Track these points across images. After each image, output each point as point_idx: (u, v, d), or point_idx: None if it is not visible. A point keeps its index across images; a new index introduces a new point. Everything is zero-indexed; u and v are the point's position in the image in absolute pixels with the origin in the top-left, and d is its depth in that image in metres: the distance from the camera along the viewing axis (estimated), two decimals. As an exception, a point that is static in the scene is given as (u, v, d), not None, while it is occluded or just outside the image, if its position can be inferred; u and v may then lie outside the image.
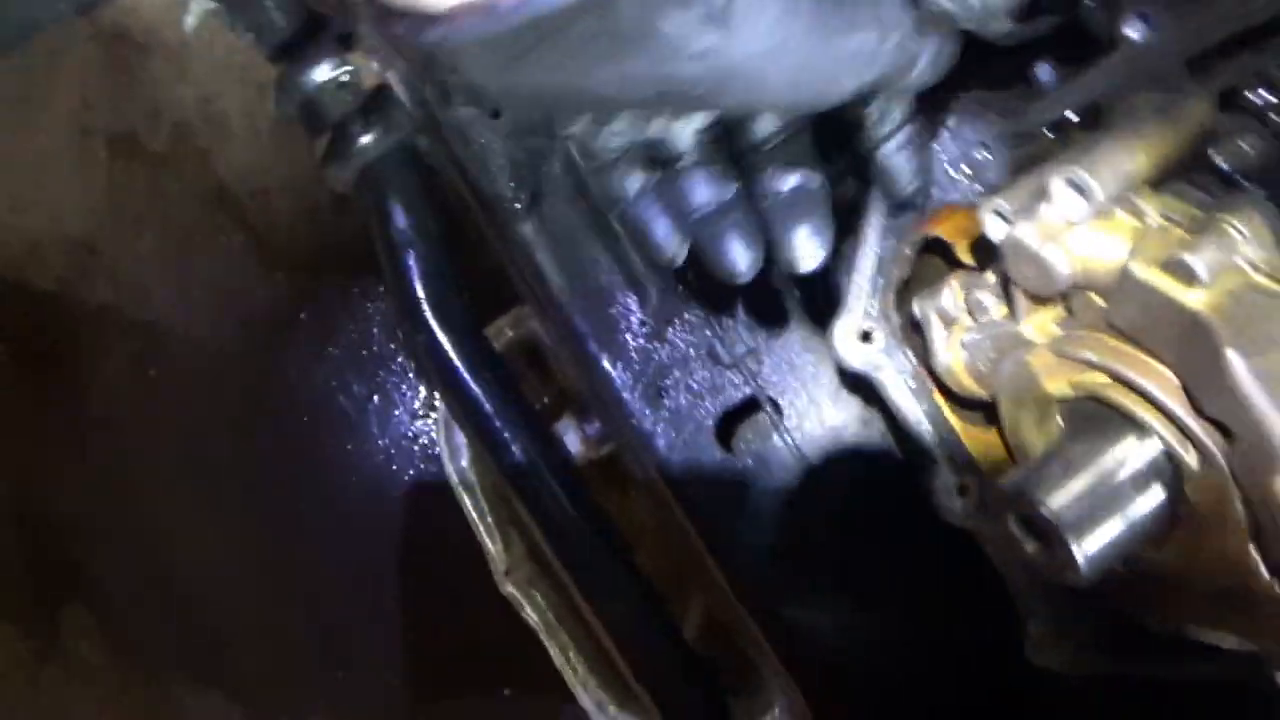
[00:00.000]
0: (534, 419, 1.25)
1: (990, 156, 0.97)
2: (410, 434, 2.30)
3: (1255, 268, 0.67)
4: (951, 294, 0.94)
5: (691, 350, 1.28)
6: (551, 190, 1.22)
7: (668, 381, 1.26)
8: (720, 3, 0.56)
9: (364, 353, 2.27)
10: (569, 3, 0.52)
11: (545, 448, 1.23)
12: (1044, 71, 0.94)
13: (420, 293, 1.21)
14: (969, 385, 0.96)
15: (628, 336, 1.27)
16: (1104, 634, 0.92)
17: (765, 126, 0.91)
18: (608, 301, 1.25)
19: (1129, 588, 0.86)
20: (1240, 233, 0.67)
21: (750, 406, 1.25)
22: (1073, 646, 0.95)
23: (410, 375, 2.19)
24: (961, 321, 0.94)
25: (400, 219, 1.21)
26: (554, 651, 1.72)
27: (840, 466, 1.25)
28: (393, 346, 2.20)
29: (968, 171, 0.99)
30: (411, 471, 2.25)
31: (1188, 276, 0.68)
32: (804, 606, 1.25)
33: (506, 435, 1.22)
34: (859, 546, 1.25)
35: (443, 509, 1.83)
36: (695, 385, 1.26)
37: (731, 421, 1.26)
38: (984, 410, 0.98)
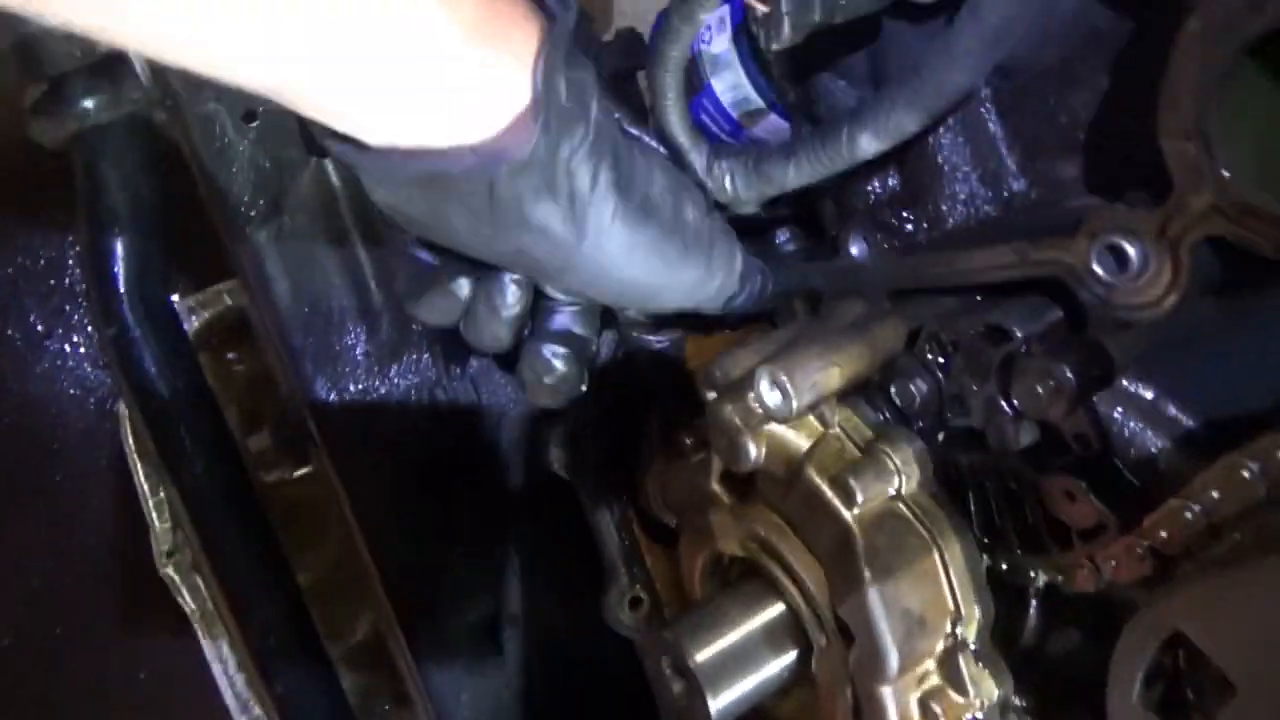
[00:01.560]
0: (221, 436, 1.18)
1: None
2: (86, 382, 2.02)
3: (900, 499, 0.77)
4: (665, 426, 0.99)
5: (412, 391, 1.25)
6: (295, 204, 1.15)
7: (380, 419, 1.23)
8: (578, 209, 0.67)
9: (50, 283, 1.99)
10: (457, 174, 0.63)
11: (228, 468, 1.17)
12: (782, 236, 1.02)
13: (120, 284, 1.10)
14: (659, 511, 1.02)
15: (349, 365, 1.22)
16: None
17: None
18: (335, 326, 1.20)
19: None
20: (895, 466, 0.76)
21: (457, 460, 1.25)
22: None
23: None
24: (670, 452, 0.99)
25: (112, 197, 1.10)
26: (206, 643, 1.63)
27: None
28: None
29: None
30: (82, 426, 2.01)
31: (848, 496, 0.76)
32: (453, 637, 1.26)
33: (189, 448, 1.14)
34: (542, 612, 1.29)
35: (114, 473, 1.68)
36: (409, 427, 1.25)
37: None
38: (674, 535, 1.05)
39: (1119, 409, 0.77)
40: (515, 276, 0.84)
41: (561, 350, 0.88)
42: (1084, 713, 0.72)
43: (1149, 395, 0.77)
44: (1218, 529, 0.61)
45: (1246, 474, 0.57)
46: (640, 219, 0.72)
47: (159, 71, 1.03)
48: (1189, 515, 0.62)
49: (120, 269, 1.12)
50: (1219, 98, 0.57)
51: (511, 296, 0.83)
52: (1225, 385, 0.74)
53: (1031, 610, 0.88)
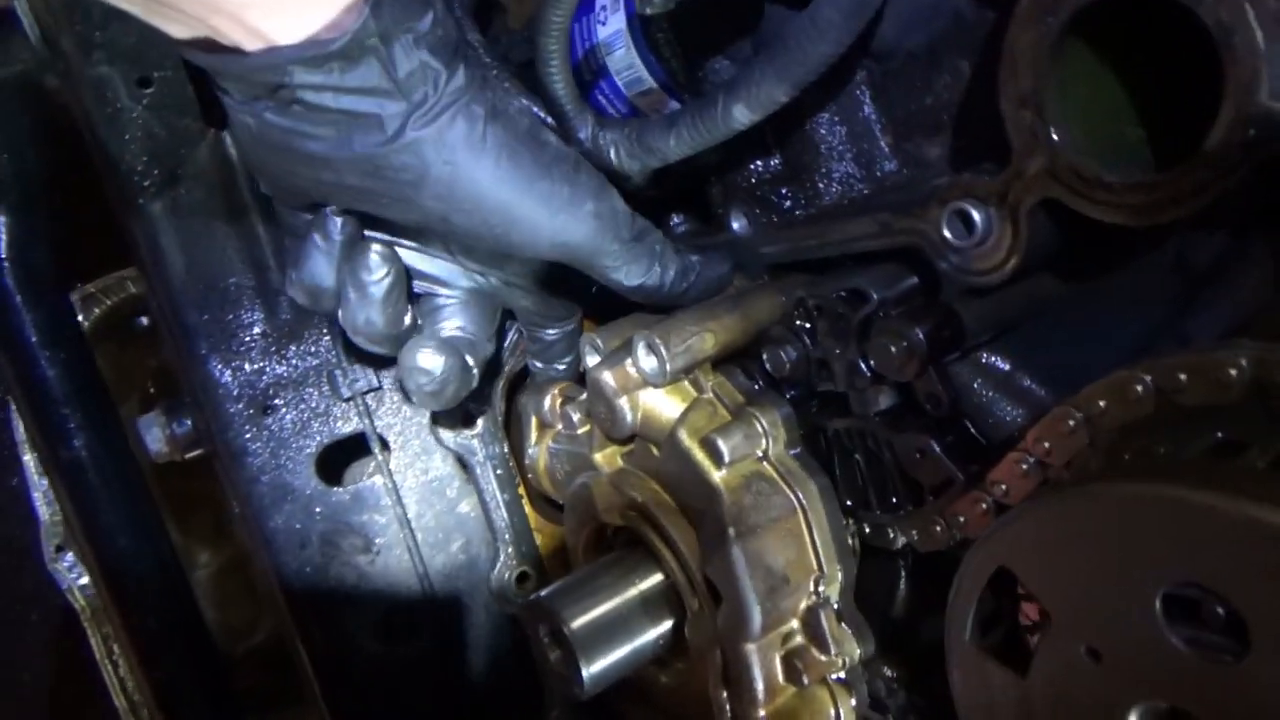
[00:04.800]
0: (105, 412, 1.15)
1: (618, 278, 1.05)
2: None
3: (767, 460, 0.79)
4: (551, 401, 1.00)
5: (311, 374, 1.23)
6: (192, 176, 1.13)
7: (277, 400, 1.21)
8: (423, 105, 0.68)
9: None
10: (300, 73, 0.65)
11: (109, 448, 1.14)
12: (675, 219, 1.04)
13: (2, 250, 1.07)
14: (548, 487, 1.03)
15: (244, 344, 1.20)
16: (607, 732, 1.01)
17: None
18: (231, 304, 1.18)
19: (625, 695, 0.96)
20: (762, 428, 0.78)
21: (356, 442, 1.24)
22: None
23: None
24: (555, 428, 1.00)
25: (-3, 161, 1.07)
26: (95, 641, 1.58)
27: (432, 516, 1.27)
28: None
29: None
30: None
31: (716, 456, 0.78)
32: (353, 639, 1.24)
33: (70, 425, 1.11)
34: (423, 594, 1.28)
35: (2, 463, 1.62)
36: (305, 410, 1.22)
37: (334, 453, 1.24)
38: (561, 511, 1.05)
39: (978, 380, 0.80)
40: (379, 248, 0.84)
41: (442, 358, 0.88)
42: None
43: (1005, 367, 0.81)
44: (1051, 479, 0.64)
45: (1071, 422, 0.61)
46: (495, 127, 0.72)
47: (49, 32, 1.01)
48: (1024, 466, 0.65)
49: (3, 236, 1.08)
50: (1049, 69, 0.61)
51: (376, 267, 0.83)
52: (1074, 356, 0.77)
53: (902, 581, 0.90)
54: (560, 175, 0.76)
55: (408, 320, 0.92)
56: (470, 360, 0.92)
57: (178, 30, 0.66)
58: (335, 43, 0.64)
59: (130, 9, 0.64)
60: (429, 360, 0.88)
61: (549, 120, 0.84)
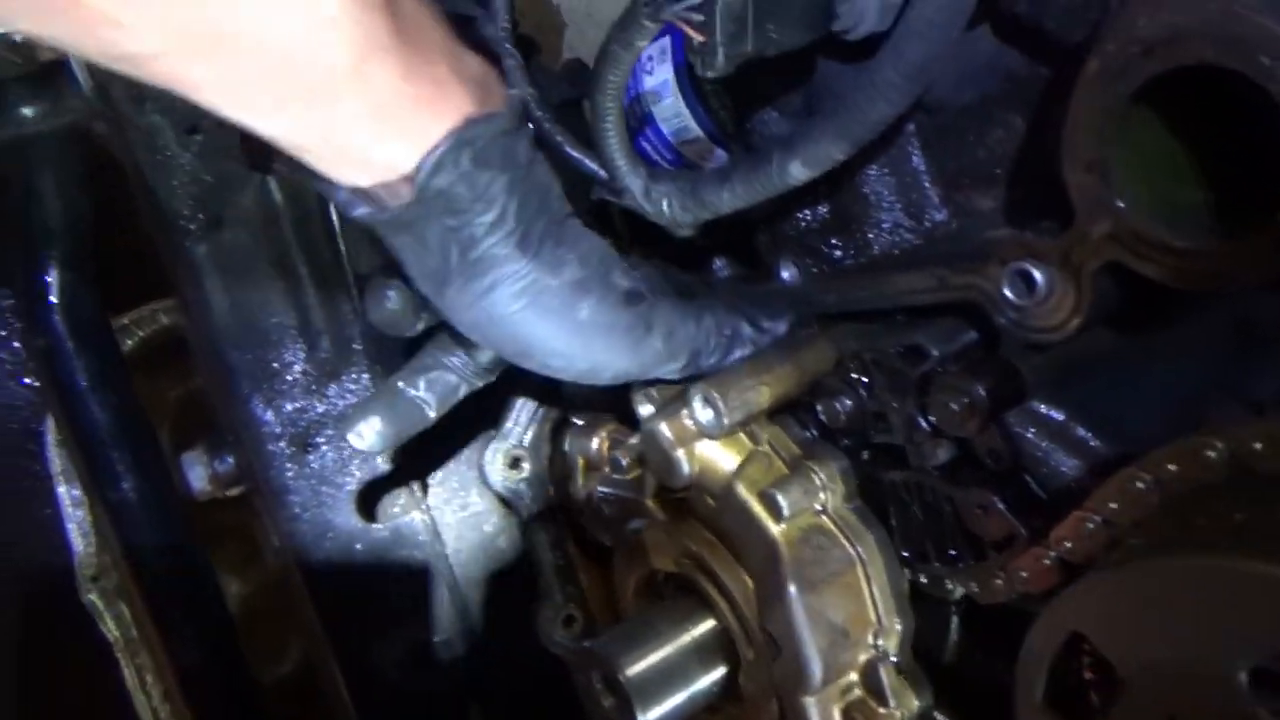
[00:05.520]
0: (152, 453, 1.16)
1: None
2: (9, 398, 1.94)
3: (826, 513, 0.79)
4: (599, 442, 1.00)
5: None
6: (236, 220, 1.15)
7: (319, 439, 1.22)
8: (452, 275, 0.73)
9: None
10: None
11: (157, 488, 1.15)
12: (718, 264, 1.05)
13: (53, 294, 1.09)
14: (596, 529, 1.03)
15: (286, 383, 1.21)
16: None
17: None
18: (272, 343, 1.19)
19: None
20: (820, 481, 0.79)
21: (396, 479, 1.25)
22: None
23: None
24: (603, 470, 1.01)
25: (47, 207, 1.08)
26: (129, 673, 1.58)
27: (469, 551, 1.28)
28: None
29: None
30: (3, 444, 1.93)
31: (775, 510, 0.78)
32: (387, 671, 1.25)
33: (119, 468, 1.13)
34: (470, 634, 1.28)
35: (36, 495, 1.63)
36: (346, 448, 1.23)
37: (376, 490, 1.24)
38: (609, 554, 1.06)
39: (1032, 430, 0.81)
40: None
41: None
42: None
43: (1060, 417, 0.81)
44: (1118, 539, 0.65)
45: (1141, 485, 0.61)
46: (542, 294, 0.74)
47: (101, 82, 1.03)
48: (1090, 525, 0.65)
49: (54, 280, 1.10)
50: (1115, 135, 0.62)
51: None
52: (1129, 407, 0.78)
53: (953, 628, 0.91)
54: (621, 332, 0.78)
55: None
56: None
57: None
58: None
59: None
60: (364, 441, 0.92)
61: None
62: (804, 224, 0.92)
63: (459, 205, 0.68)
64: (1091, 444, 0.80)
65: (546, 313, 0.74)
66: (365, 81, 0.62)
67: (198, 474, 1.30)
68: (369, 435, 0.93)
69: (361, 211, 0.69)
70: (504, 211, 0.70)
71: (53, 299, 1.11)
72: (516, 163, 0.71)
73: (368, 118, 0.64)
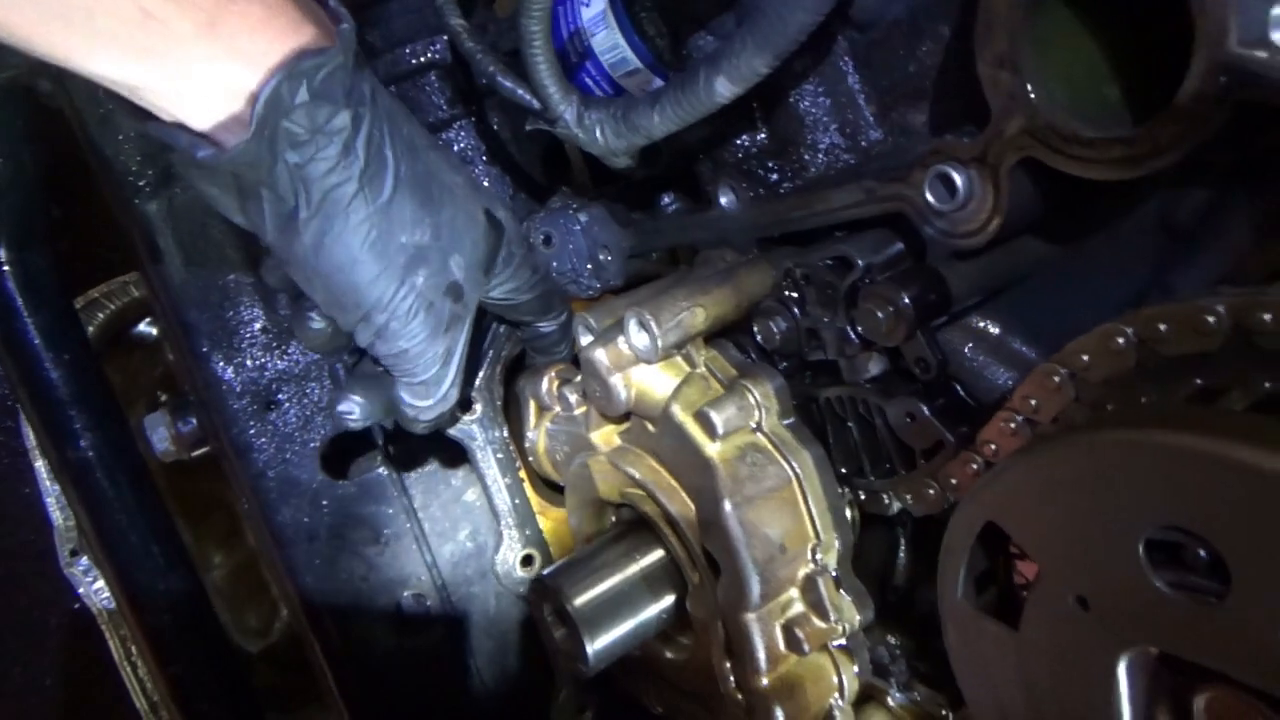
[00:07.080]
0: (111, 413, 1.16)
1: (611, 259, 1.06)
2: None
3: (761, 431, 0.79)
4: (548, 383, 1.00)
5: (313, 369, 1.24)
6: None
7: (280, 395, 1.22)
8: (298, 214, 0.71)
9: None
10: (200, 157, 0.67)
11: (116, 449, 1.15)
12: (665, 198, 1.04)
13: (3, 253, 1.08)
14: (549, 469, 1.03)
15: (245, 341, 1.21)
16: (614, 709, 1.02)
17: None
18: (231, 301, 1.19)
19: (634, 672, 0.97)
20: (755, 400, 0.79)
21: (359, 434, 1.24)
22: (590, 716, 1.05)
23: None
24: (553, 410, 1.01)
25: (-8, 165, 1.08)
26: (113, 644, 1.59)
27: (438, 505, 1.28)
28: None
29: (589, 268, 1.07)
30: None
31: (710, 429, 0.78)
32: (365, 632, 1.25)
33: (76, 426, 1.12)
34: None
35: (15, 473, 1.64)
36: (308, 405, 1.23)
37: (338, 447, 1.24)
38: (562, 494, 1.06)
39: (969, 344, 0.81)
40: None
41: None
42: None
43: (996, 331, 0.81)
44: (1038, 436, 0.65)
45: (1056, 378, 0.61)
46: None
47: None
48: (1013, 425, 0.65)
49: (2, 239, 1.10)
50: (1026, 30, 0.61)
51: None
52: (1063, 317, 0.77)
53: (902, 549, 0.91)
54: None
55: None
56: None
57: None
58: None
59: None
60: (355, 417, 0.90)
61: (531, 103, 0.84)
62: (743, 150, 0.91)
63: (299, 138, 0.67)
64: (1029, 355, 0.79)
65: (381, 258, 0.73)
66: (194, 4, 0.61)
67: (160, 435, 1.29)
68: (358, 410, 0.92)
69: (206, 154, 0.67)
70: (347, 146, 0.69)
71: (3, 264, 1.10)
72: (361, 98, 0.70)
73: (202, 40, 0.63)
